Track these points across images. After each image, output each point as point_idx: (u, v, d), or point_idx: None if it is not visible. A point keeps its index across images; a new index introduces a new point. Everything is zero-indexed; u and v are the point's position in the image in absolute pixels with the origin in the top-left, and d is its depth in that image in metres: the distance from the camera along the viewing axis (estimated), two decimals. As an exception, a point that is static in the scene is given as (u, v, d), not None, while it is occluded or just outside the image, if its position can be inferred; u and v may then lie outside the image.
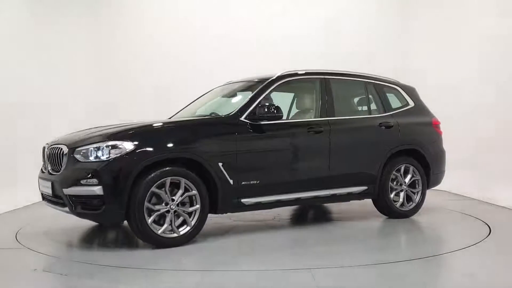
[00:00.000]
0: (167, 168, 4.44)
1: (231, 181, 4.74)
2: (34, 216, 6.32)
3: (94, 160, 4.35)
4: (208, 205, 4.67)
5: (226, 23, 9.56)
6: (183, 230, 4.55)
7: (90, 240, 5.09)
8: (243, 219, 5.95)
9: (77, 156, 4.43)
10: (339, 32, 9.60)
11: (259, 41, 9.48)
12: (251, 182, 4.87)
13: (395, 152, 5.78)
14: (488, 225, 5.43)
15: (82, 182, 4.32)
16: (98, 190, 4.25)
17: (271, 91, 5.25)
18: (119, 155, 4.32)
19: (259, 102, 5.04)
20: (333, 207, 6.70)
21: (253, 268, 3.92)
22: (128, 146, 4.35)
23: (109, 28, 9.72)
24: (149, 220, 4.37)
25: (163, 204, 4.45)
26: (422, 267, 3.95)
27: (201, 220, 4.64)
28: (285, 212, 6.32)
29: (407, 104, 6.17)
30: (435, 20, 9.25)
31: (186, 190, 4.55)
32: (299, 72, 5.57)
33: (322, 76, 5.61)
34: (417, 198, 5.92)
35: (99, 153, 4.35)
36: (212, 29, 9.53)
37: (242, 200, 4.84)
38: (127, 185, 4.27)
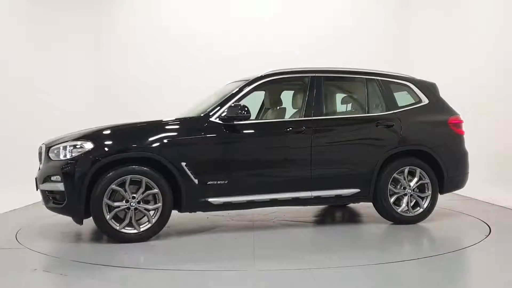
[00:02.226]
0: (126, 167, 4.68)
1: (196, 181, 4.83)
2: (34, 216, 6.32)
3: (61, 158, 4.73)
4: (172, 203, 4.83)
5: (227, 23, 9.58)
6: (145, 226, 4.76)
7: (90, 240, 5.09)
8: (243, 219, 5.95)
9: (51, 155, 4.83)
10: (339, 31, 9.62)
11: (259, 40, 9.50)
12: (218, 182, 4.91)
13: (397, 153, 5.45)
14: (488, 225, 5.43)
15: (52, 178, 4.75)
16: (60, 186, 4.66)
17: (249, 92, 5.23)
18: (79, 154, 4.66)
19: (234, 103, 5.06)
20: (361, 209, 6.63)
21: (252, 268, 3.92)
22: (88, 146, 4.68)
23: (109, 28, 9.73)
24: (108, 216, 4.64)
25: (124, 201, 4.68)
26: (422, 267, 3.95)
27: (164, 218, 4.82)
28: (288, 213, 6.31)
29: (420, 101, 5.73)
30: (435, 19, 9.26)
31: (148, 188, 4.74)
32: (285, 71, 5.48)
33: (313, 74, 5.45)
34: (425, 203, 5.49)
35: (65, 152, 4.72)
36: (213, 29, 9.54)
37: (210, 200, 4.89)
38: (84, 182, 4.59)
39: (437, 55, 9.14)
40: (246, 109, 4.96)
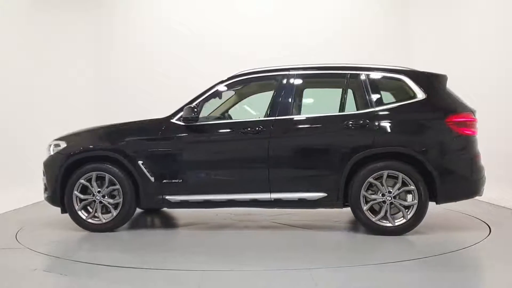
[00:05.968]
0: (91, 164, 5.17)
1: (152, 179, 5.11)
2: (34, 216, 6.33)
3: (49, 155, 5.36)
4: (133, 199, 5.14)
5: (228, 23, 9.58)
6: (108, 219, 5.18)
7: (90, 240, 5.09)
8: (243, 218, 5.96)
9: (47, 152, 5.41)
10: (339, 30, 9.62)
11: (260, 39, 9.49)
12: (173, 181, 5.11)
13: (372, 156, 4.91)
14: (488, 225, 5.43)
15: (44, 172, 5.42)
16: (44, 179, 5.38)
17: (216, 93, 5.36)
18: (56, 152, 5.30)
19: (194, 104, 5.17)
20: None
21: (252, 268, 3.92)
22: (63, 145, 5.32)
23: (109, 28, 9.73)
24: (77, 207, 5.17)
25: (91, 195, 5.17)
26: (422, 267, 3.95)
27: (125, 211, 5.16)
28: (289, 215, 6.31)
29: (414, 96, 5.04)
30: (436, 19, 9.26)
31: (112, 184, 5.14)
32: (253, 71, 5.44)
33: (284, 73, 5.31)
34: (410, 213, 4.85)
35: (50, 150, 5.37)
36: (214, 29, 9.54)
37: (167, 197, 5.11)
38: (58, 176, 5.19)
39: (437, 55, 9.13)
40: (194, 110, 5.09)
